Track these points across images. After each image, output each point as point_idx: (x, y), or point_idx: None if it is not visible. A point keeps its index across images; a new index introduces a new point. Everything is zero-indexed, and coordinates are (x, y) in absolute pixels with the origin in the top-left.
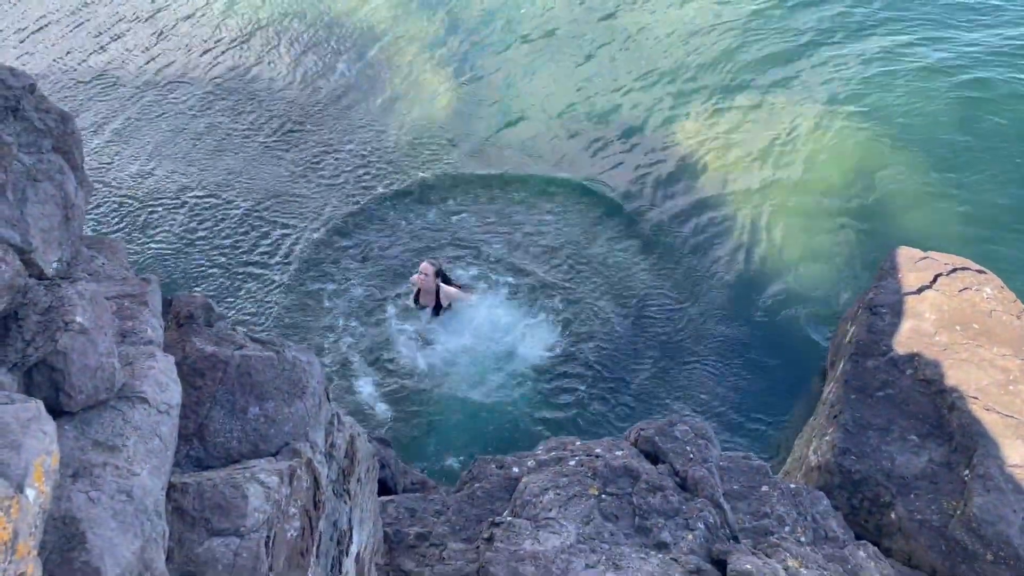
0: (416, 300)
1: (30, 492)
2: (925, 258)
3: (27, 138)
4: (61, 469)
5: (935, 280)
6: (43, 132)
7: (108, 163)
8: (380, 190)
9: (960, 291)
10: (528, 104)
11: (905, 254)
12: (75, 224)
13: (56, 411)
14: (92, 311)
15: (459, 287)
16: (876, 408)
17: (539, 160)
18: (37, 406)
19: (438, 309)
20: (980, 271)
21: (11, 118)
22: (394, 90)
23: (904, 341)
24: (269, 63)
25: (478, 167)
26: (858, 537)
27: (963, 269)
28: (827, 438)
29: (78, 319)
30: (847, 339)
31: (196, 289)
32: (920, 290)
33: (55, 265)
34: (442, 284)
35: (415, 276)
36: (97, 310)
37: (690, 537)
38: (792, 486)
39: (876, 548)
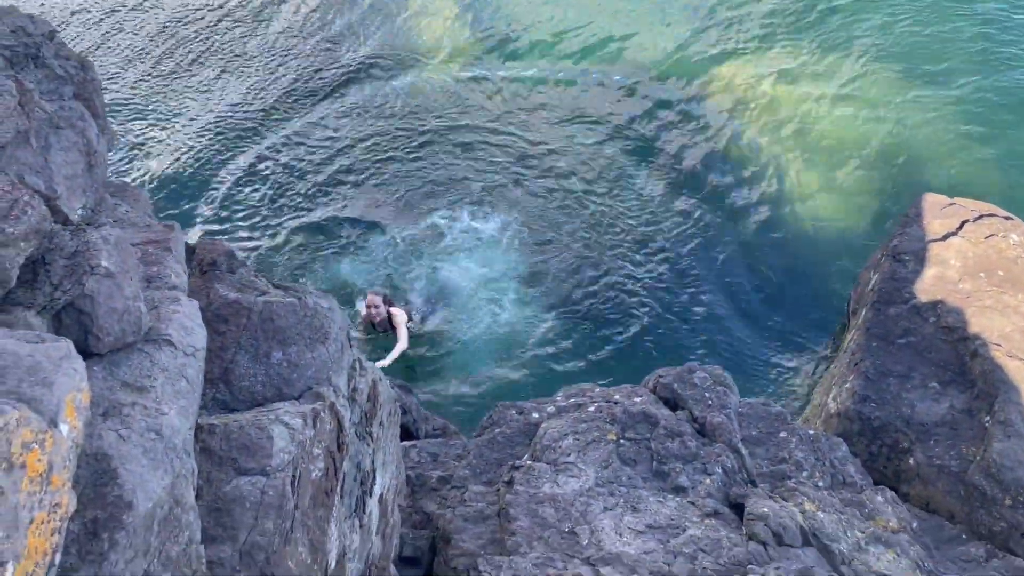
0: (371, 326)
1: (63, 427)
2: (951, 204)
3: (48, 85)
4: (92, 408)
5: (961, 227)
6: (64, 79)
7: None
8: (396, 135)
9: (986, 238)
10: (559, 46)
11: (931, 200)
12: (98, 171)
13: (85, 353)
14: (117, 255)
15: (403, 309)
16: (897, 355)
17: (566, 107)
18: (67, 345)
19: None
20: (1007, 218)
21: (32, 65)
22: (404, 31)
23: (927, 288)
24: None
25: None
26: (876, 483)
27: (990, 216)
28: (847, 385)
29: (104, 263)
30: (869, 287)
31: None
32: (945, 237)
33: (80, 212)
34: (391, 309)
35: (364, 311)
36: (122, 255)
37: (708, 481)
38: (811, 432)
39: (894, 493)
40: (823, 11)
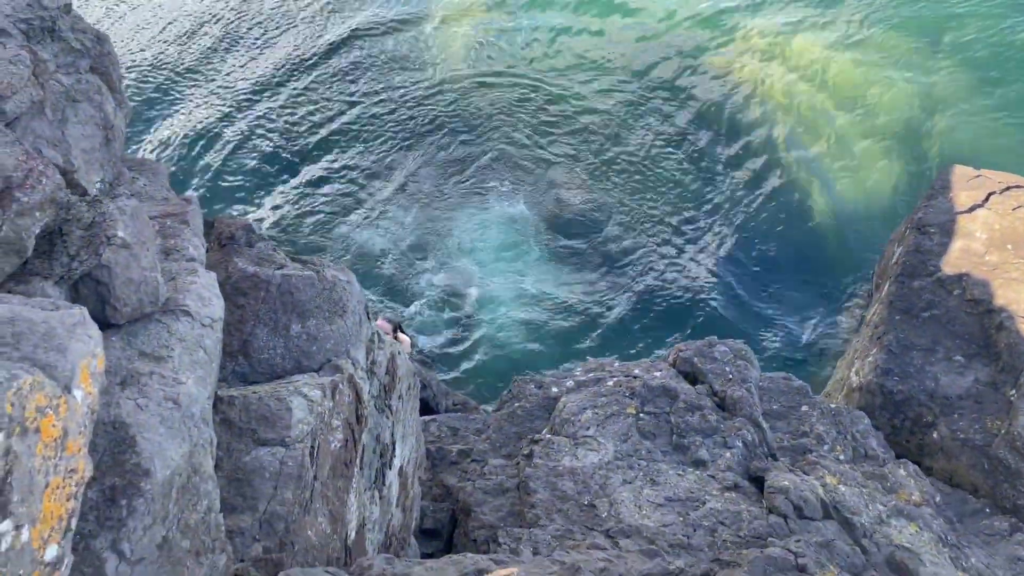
0: None
1: (77, 393)
2: (978, 176)
3: (65, 59)
4: (109, 378)
5: (987, 198)
6: (80, 52)
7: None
8: (431, 118)
9: (1014, 209)
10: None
11: (958, 172)
12: (115, 145)
13: (103, 323)
14: (134, 226)
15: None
16: (921, 329)
17: (588, 82)
18: (82, 312)
19: None
20: None
21: (48, 38)
22: (431, 26)
23: (953, 261)
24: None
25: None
26: (899, 457)
27: (1017, 187)
28: (869, 359)
29: (120, 234)
30: (894, 260)
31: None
32: (971, 209)
33: (98, 185)
34: (399, 335)
35: None
36: (139, 225)
37: (728, 455)
38: (832, 406)
39: (916, 467)
40: None
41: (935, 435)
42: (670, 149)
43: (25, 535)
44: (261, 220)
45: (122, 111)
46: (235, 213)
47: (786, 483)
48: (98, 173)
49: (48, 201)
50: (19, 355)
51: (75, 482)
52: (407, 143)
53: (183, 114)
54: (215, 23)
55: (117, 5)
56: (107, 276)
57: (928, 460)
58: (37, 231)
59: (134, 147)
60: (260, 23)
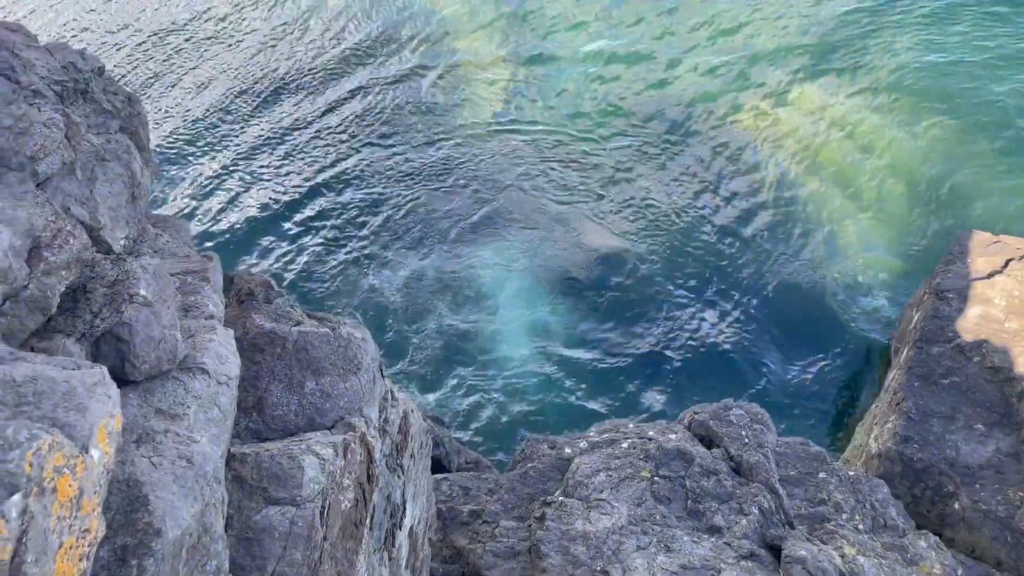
0: None
1: (95, 452)
2: (996, 242)
3: (96, 119)
4: (125, 435)
5: (1006, 265)
6: (111, 113)
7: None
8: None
9: None
10: (594, 81)
11: (975, 238)
12: (141, 203)
13: (121, 380)
14: (156, 285)
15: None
16: (940, 396)
17: (600, 137)
18: (102, 371)
19: None
20: None
21: (81, 100)
22: (455, 77)
23: (971, 327)
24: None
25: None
26: (919, 527)
27: None
28: (888, 425)
29: (142, 292)
30: (912, 325)
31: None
32: (990, 275)
33: (122, 242)
34: None
35: None
36: (160, 284)
37: (744, 522)
38: (851, 473)
39: (938, 538)
40: (864, 42)
41: (956, 505)
42: (686, 204)
43: None
44: (279, 267)
45: (149, 170)
46: (251, 262)
47: (803, 553)
48: (123, 230)
49: (74, 260)
50: (39, 414)
51: (88, 542)
52: (422, 193)
53: (199, 168)
54: (230, 75)
55: (143, 62)
56: (128, 334)
57: (949, 531)
58: (62, 289)
59: (155, 203)
60: (273, 76)
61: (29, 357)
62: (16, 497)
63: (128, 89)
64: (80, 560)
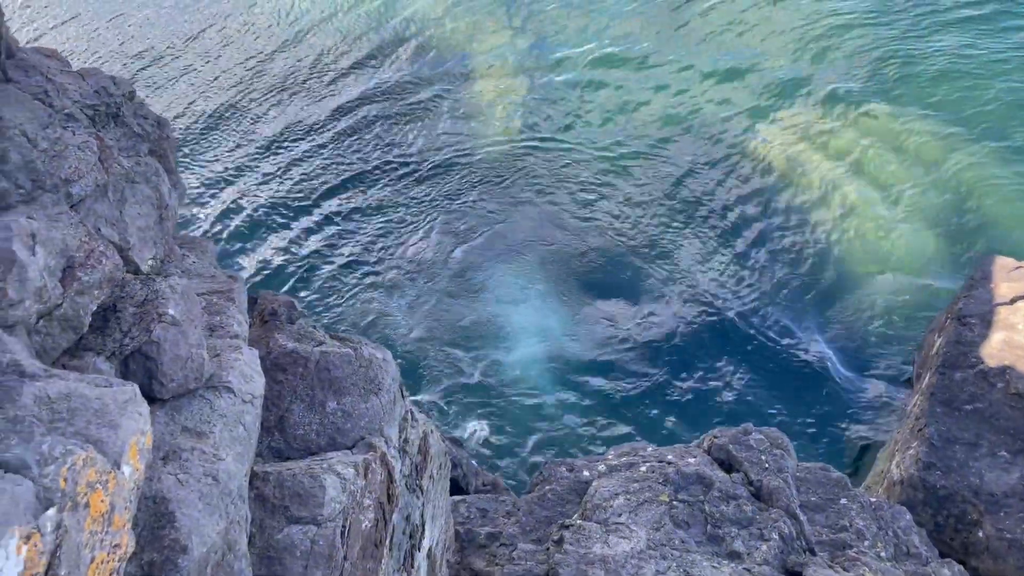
0: None
1: (126, 469)
2: (1019, 267)
3: (126, 142)
4: (153, 452)
5: None
6: (141, 136)
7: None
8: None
9: None
10: (619, 98)
11: (999, 263)
12: (168, 224)
13: (149, 398)
14: (183, 305)
15: None
16: (964, 422)
17: (618, 156)
18: (133, 389)
19: None
20: None
21: (112, 123)
22: (478, 98)
23: (995, 353)
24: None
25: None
26: (943, 555)
27: None
28: (911, 452)
29: (170, 311)
30: (934, 350)
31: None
32: (1013, 301)
33: (150, 262)
34: None
35: None
36: (188, 304)
37: (764, 548)
38: (872, 500)
39: (962, 567)
40: (891, 66)
41: (981, 534)
42: (705, 225)
43: None
44: (296, 286)
45: (176, 191)
46: (270, 282)
47: None
48: (151, 250)
49: (106, 280)
50: (73, 430)
51: (118, 557)
52: (439, 213)
53: (219, 188)
54: (241, 95)
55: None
56: (156, 352)
57: (974, 560)
58: (94, 308)
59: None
60: (284, 91)
61: (63, 374)
62: (51, 511)
63: (157, 113)
64: (110, 574)
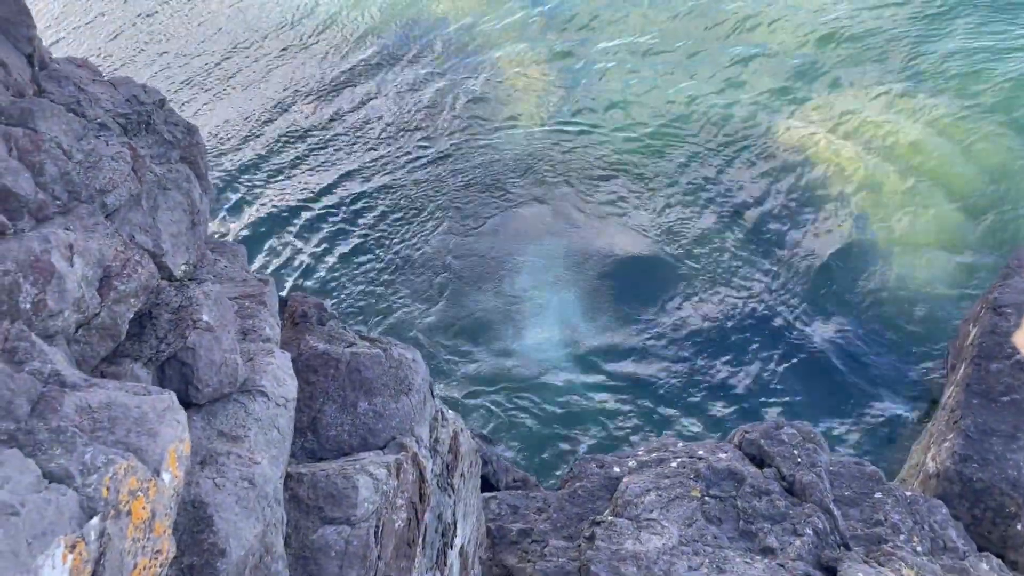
0: None
1: (166, 476)
2: None
3: (157, 150)
4: (191, 457)
5: None
6: (171, 143)
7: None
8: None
9: None
10: (632, 92)
11: None
12: (200, 229)
13: (185, 403)
14: (217, 310)
15: None
16: (1000, 414)
17: (643, 145)
18: (171, 397)
19: None
20: None
21: (143, 131)
22: (509, 110)
23: None
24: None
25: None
26: (980, 549)
27: None
28: (946, 444)
29: (205, 317)
30: (969, 341)
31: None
32: None
33: (183, 268)
34: None
35: None
36: (221, 309)
37: (798, 543)
38: (908, 494)
39: (1000, 561)
40: (919, 50)
41: (1019, 527)
42: (729, 217)
43: None
44: (321, 288)
45: (208, 197)
46: (296, 283)
47: (860, 575)
48: (184, 256)
49: (142, 288)
50: (113, 439)
51: (160, 563)
52: (461, 211)
53: (250, 190)
54: (262, 98)
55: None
56: (191, 358)
57: (1013, 554)
58: (131, 316)
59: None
60: (307, 99)
61: (102, 383)
62: (95, 520)
63: (187, 120)
64: None
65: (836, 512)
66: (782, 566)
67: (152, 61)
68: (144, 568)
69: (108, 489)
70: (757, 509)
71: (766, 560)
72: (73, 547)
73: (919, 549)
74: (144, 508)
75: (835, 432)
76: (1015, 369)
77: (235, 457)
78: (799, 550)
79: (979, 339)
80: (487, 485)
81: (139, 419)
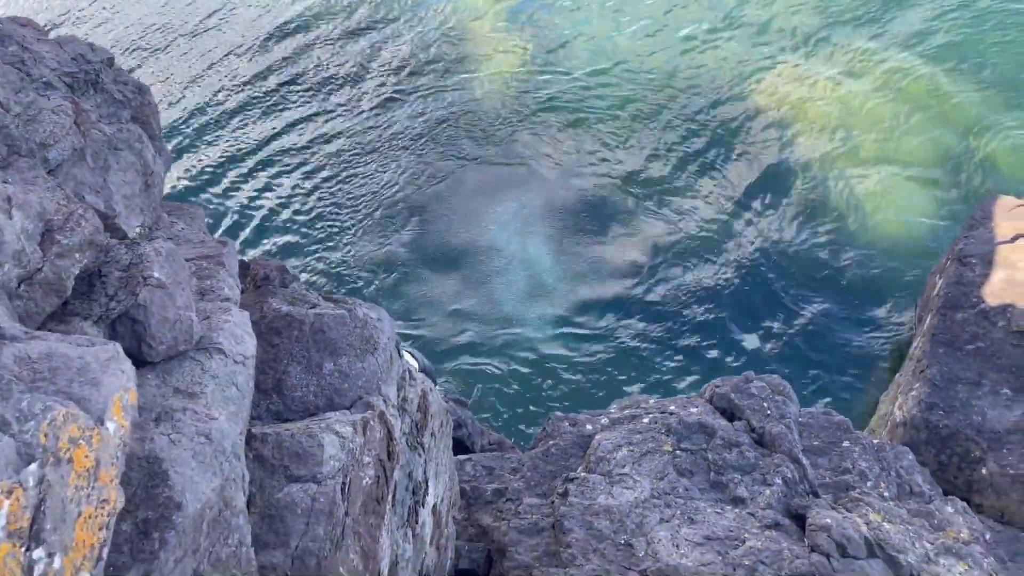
0: None
1: (110, 425)
2: (1021, 205)
3: (107, 109)
4: (145, 414)
5: None
6: (122, 103)
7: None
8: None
9: None
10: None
11: (999, 202)
12: (155, 191)
13: (140, 361)
14: (170, 267)
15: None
16: (965, 362)
17: (616, 113)
18: (115, 347)
19: None
20: None
21: (91, 90)
22: (473, 57)
23: (996, 292)
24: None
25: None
26: (946, 493)
27: None
28: (913, 393)
29: (156, 274)
30: (935, 292)
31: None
32: (1014, 239)
33: (137, 229)
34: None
35: None
36: (174, 267)
37: (767, 492)
38: (875, 442)
39: (965, 503)
40: (888, 8)
41: (984, 471)
42: (704, 175)
43: (57, 563)
44: (291, 251)
45: (162, 158)
46: (264, 249)
47: (828, 521)
48: (138, 218)
49: (87, 243)
50: (54, 389)
51: (107, 512)
52: (436, 162)
53: (212, 156)
54: (243, 58)
55: (155, 55)
56: (143, 315)
57: (977, 497)
58: (76, 272)
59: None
60: (288, 67)
61: (43, 335)
62: (33, 467)
63: (138, 79)
64: (100, 529)
65: (805, 461)
66: (752, 515)
67: (99, 23)
68: (90, 517)
69: (46, 436)
70: (727, 461)
71: (737, 510)
72: (10, 492)
73: (886, 495)
74: (87, 456)
75: (807, 387)
76: (979, 318)
77: (191, 413)
78: (769, 499)
79: (944, 290)
80: (462, 448)
81: (81, 369)
